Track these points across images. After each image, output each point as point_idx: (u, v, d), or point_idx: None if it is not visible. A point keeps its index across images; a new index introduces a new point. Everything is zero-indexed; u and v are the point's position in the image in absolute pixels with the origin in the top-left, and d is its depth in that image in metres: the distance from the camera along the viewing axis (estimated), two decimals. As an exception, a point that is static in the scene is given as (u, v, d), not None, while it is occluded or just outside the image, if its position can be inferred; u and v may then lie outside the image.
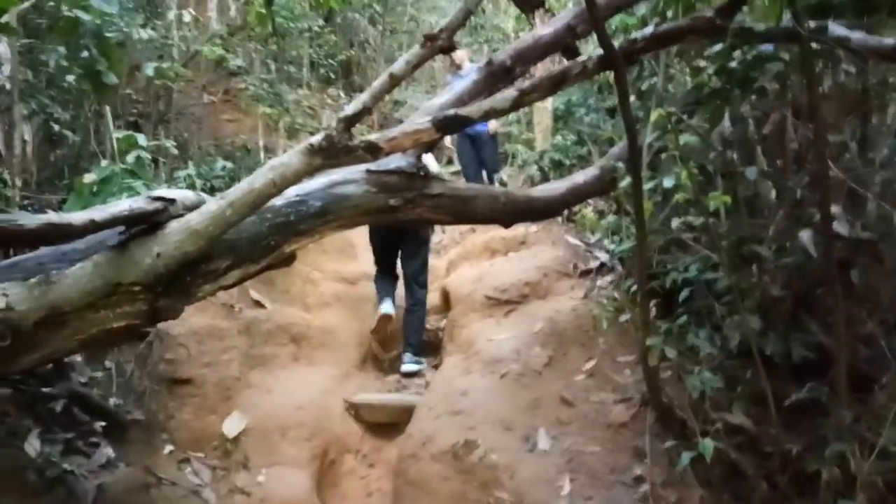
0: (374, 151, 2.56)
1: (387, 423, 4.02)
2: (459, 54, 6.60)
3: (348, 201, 2.99)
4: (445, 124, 2.56)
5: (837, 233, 2.71)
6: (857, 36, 2.22)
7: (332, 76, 9.79)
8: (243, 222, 2.60)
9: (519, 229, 5.70)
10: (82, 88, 4.39)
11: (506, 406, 3.34)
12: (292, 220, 2.84)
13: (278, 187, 2.48)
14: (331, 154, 2.49)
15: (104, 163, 4.44)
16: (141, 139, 4.51)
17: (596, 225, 4.80)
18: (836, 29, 2.22)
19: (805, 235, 2.70)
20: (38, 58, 4.70)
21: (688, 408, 3.13)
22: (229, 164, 5.98)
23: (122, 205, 2.16)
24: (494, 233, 6.02)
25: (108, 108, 4.70)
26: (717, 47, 2.53)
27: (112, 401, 3.26)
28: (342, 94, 9.68)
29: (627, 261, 4.45)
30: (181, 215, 2.43)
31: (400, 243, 4.77)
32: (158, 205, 2.31)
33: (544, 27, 3.59)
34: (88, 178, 4.23)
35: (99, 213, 2.01)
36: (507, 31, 10.15)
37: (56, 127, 4.87)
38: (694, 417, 3.16)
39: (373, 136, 2.58)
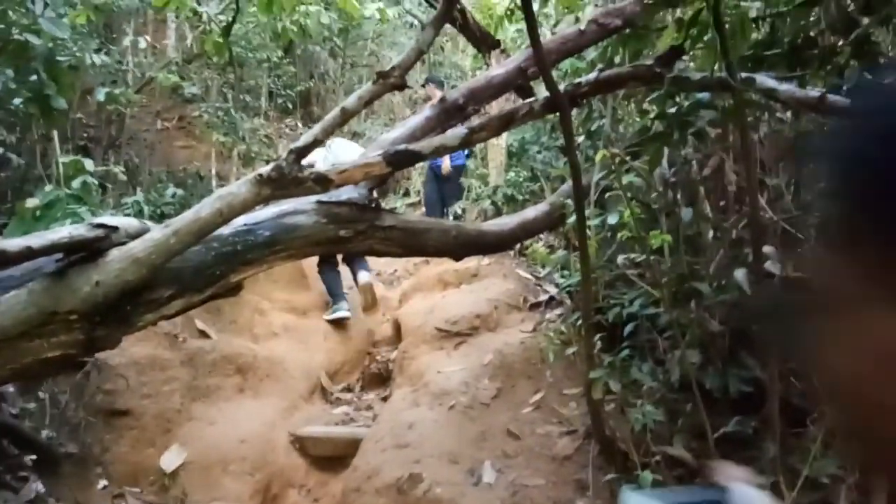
0: (323, 183, 2.58)
1: (333, 457, 3.97)
2: (434, 91, 6.94)
3: (298, 231, 2.98)
4: (396, 159, 2.60)
5: (770, 272, 2.83)
6: (784, 87, 2.36)
7: (290, 106, 9.80)
8: (188, 251, 2.57)
9: (472, 262, 5.76)
10: (30, 112, 4.30)
11: (452, 439, 3.34)
12: (239, 250, 2.82)
13: (225, 217, 2.47)
14: (280, 185, 2.50)
15: (49, 187, 4.35)
16: (88, 164, 4.44)
17: (546, 259, 4.89)
18: (765, 80, 2.36)
19: (739, 274, 2.81)
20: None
21: (629, 440, 3.19)
22: (180, 192, 5.91)
23: (61, 231, 2.12)
24: (448, 265, 6.07)
25: (55, 132, 4.60)
26: (658, 93, 2.65)
27: (44, 433, 3.13)
28: (300, 125, 9.69)
29: (575, 294, 4.54)
30: (123, 243, 2.39)
31: None
32: (100, 232, 2.27)
33: (497, 68, 3.70)
34: (31, 202, 4.13)
35: (36, 239, 1.96)
36: (465, 69, 10.35)
37: (0, 150, 4.75)
38: (636, 450, 3.22)
39: (323, 169, 2.60)
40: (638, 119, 4.06)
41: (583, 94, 2.55)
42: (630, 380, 3.44)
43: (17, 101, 4.19)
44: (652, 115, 2.68)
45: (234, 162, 7.16)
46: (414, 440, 3.37)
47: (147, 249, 2.34)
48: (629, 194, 3.21)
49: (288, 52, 10.16)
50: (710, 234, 3.30)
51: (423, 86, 7.37)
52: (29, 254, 1.92)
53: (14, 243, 1.86)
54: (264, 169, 2.52)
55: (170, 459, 3.44)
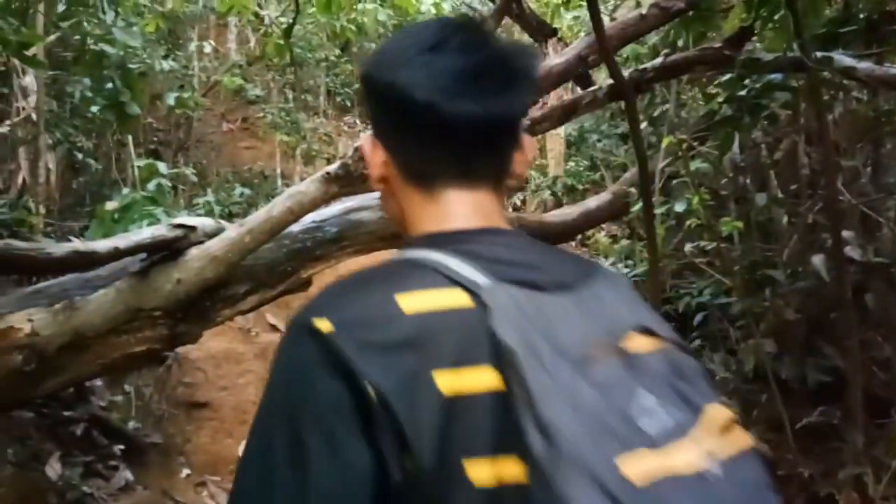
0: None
1: None
2: None
3: (363, 227, 3.04)
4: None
5: (850, 257, 2.72)
6: (863, 66, 2.26)
7: (349, 104, 9.94)
8: (261, 248, 2.66)
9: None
10: (106, 119, 4.52)
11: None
12: (309, 246, 2.89)
13: (295, 215, 2.54)
14: (347, 182, 2.55)
15: (125, 190, 4.56)
16: (161, 167, 4.62)
17: (609, 250, 4.83)
18: (842, 59, 2.26)
19: (817, 260, 2.71)
20: (64, 89, 4.85)
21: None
22: (247, 191, 6.09)
23: (144, 233, 2.23)
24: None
25: (129, 137, 4.82)
26: (728, 76, 2.57)
27: (131, 424, 3.31)
28: (358, 122, 9.81)
29: (641, 285, 4.46)
30: (201, 242, 2.49)
31: None
32: (179, 232, 2.37)
33: (556, 57, 3.64)
34: (110, 205, 4.33)
35: (123, 240, 2.07)
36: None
37: (79, 156, 5.00)
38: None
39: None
40: (703, 103, 3.95)
41: (648, 80, 2.51)
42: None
43: (94, 108, 4.40)
44: (720, 99, 2.60)
45: (297, 160, 7.32)
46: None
47: (224, 248, 2.42)
48: (697, 181, 3.14)
49: (345, 51, 10.30)
50: (784, 219, 3.19)
51: None
52: (116, 254, 2.02)
53: (103, 244, 1.97)
54: (331, 167, 2.57)
55: (246, 449, 3.57)
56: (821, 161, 2.64)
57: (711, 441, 0.53)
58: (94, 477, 2.85)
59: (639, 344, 0.59)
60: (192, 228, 2.47)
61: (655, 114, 4.53)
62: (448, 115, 0.63)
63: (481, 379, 0.54)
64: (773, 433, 3.23)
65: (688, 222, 3.11)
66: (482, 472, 0.51)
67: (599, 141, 6.76)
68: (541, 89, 3.59)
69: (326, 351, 0.55)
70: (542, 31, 6.01)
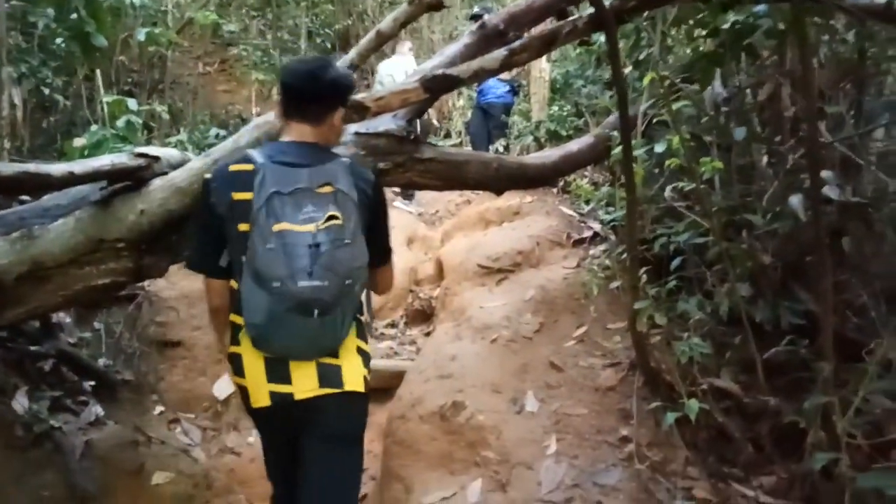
0: (360, 111, 2.53)
1: (378, 388, 4.00)
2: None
3: (337, 163, 2.96)
4: (434, 84, 2.53)
5: (827, 197, 2.70)
6: (850, -5, 2.18)
7: (329, 46, 9.68)
8: (230, 182, 2.59)
9: (513, 200, 5.69)
10: (71, 51, 4.34)
11: (494, 370, 3.35)
12: (279, 181, 2.82)
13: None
14: (317, 112, 2.46)
15: (94, 127, 4.41)
16: (132, 104, 4.48)
17: (590, 195, 4.78)
18: (829, -13, 2.19)
19: (795, 200, 2.69)
20: (29, 21, 4.65)
21: (675, 372, 3.14)
22: (223, 132, 5.94)
23: (103, 159, 2.15)
24: (489, 204, 6.02)
25: (98, 73, 4.65)
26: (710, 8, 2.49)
27: (101, 361, 3.27)
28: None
29: (620, 229, 4.44)
30: (165, 173, 2.41)
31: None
32: (142, 161, 2.29)
33: (538, -10, 3.53)
34: (78, 142, 4.21)
35: (79, 165, 1.99)
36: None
37: (47, 91, 4.83)
38: (681, 381, 3.18)
39: (360, 96, 2.55)
40: (689, 50, 3.85)
41: (630, 9, 2.41)
42: (676, 313, 3.38)
43: (58, 40, 4.22)
44: (703, 34, 2.53)
45: (274, 102, 7.15)
46: (456, 371, 3.39)
47: (189, 179, 2.35)
48: (679, 122, 3.08)
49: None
50: (764, 161, 3.15)
51: (472, 17, 7.17)
52: (71, 179, 1.94)
53: (57, 168, 1.89)
54: (301, 96, 2.48)
55: (222, 387, 3.56)
56: (803, 95, 2.58)
57: (322, 224, 1.71)
58: (62, 411, 2.81)
59: (324, 189, 1.78)
60: (156, 158, 2.39)
61: (641, 57, 4.44)
62: (289, 86, 1.93)
63: (246, 196, 1.77)
64: (746, 375, 3.27)
65: (668, 163, 3.05)
66: (238, 196, 1.81)
67: (584, 86, 6.64)
68: (522, 24, 3.47)
69: (206, 186, 1.89)
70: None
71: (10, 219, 2.14)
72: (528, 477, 2.61)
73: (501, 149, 6.83)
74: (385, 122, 3.14)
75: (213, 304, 2.01)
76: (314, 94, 1.90)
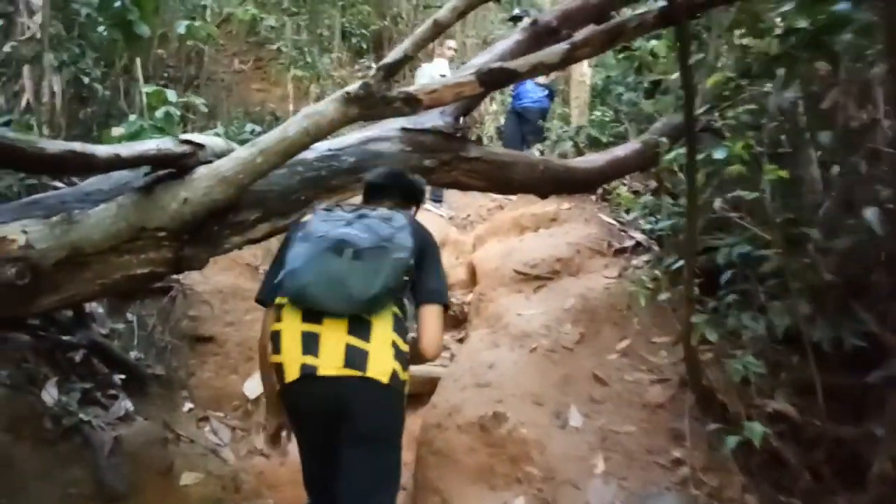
0: (413, 104, 2.42)
1: (410, 394, 3.91)
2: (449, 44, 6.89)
3: (382, 159, 2.86)
4: (490, 77, 2.41)
5: (905, 212, 2.53)
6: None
7: (364, 47, 9.63)
8: (273, 174, 2.50)
9: (550, 205, 5.54)
10: (113, 40, 4.30)
11: (535, 381, 3.21)
12: (324, 175, 2.73)
13: (312, 137, 2.36)
14: (368, 104, 2.36)
15: (132, 117, 4.36)
16: (171, 95, 4.41)
17: (632, 203, 4.62)
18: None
19: (871, 213, 2.51)
20: (71, 7, 4.62)
21: (731, 391, 2.98)
22: (257, 127, 5.88)
23: (149, 143, 2.06)
24: (524, 208, 5.88)
25: (138, 62, 4.60)
26: (788, 6, 2.34)
27: (133, 354, 3.18)
28: (373, 66, 9.51)
29: (666, 239, 4.28)
30: (210, 161, 2.32)
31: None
32: (187, 148, 2.20)
33: (595, -12, 3.41)
34: (116, 131, 4.15)
35: (125, 149, 1.90)
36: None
37: (86, 80, 4.79)
38: (736, 402, 3.02)
39: (412, 88, 2.45)
40: (743, 51, 3.67)
41: (703, 3, 2.28)
42: (727, 329, 3.21)
43: (100, 28, 4.18)
44: (777, 33, 2.37)
45: (311, 100, 7.08)
46: (495, 380, 3.26)
47: (234, 168, 2.26)
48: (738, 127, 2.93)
49: (363, -9, 9.94)
50: (815, 172, 2.97)
51: (512, 18, 7.05)
52: (116, 161, 1.85)
53: (103, 149, 1.80)
54: (352, 87, 2.38)
55: (253, 386, 3.46)
56: (887, 97, 2.42)
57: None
58: (92, 405, 2.73)
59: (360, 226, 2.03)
60: (201, 146, 2.30)
61: (691, 62, 4.29)
62: (373, 184, 2.33)
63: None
64: (801, 397, 3.10)
65: (729, 170, 2.90)
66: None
67: (622, 94, 6.49)
68: (576, 22, 3.35)
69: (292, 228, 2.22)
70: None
71: (51, 202, 2.06)
72: (575, 497, 2.47)
73: (537, 153, 6.70)
74: (432, 119, 3.04)
75: (265, 340, 2.07)
76: (394, 187, 2.30)
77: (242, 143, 5.69)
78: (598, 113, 5.73)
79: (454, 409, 3.09)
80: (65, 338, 2.87)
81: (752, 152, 2.86)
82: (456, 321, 5.17)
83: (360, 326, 1.92)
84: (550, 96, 7.31)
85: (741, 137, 2.72)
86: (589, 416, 2.92)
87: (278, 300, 2.00)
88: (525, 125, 7.28)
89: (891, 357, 2.93)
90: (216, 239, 2.43)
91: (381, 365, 1.90)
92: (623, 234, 4.95)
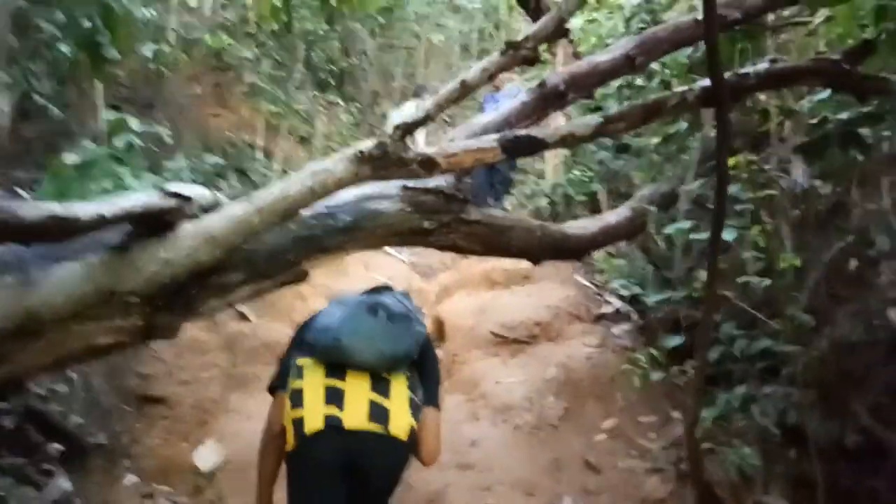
0: (429, 167, 2.21)
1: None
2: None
3: (381, 219, 2.62)
4: (514, 145, 2.22)
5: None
6: None
7: (331, 82, 9.41)
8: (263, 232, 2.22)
9: (522, 262, 5.38)
10: (75, 60, 3.93)
11: (524, 465, 2.98)
12: (318, 235, 2.45)
13: (316, 196, 2.11)
14: (382, 165, 2.13)
15: (88, 144, 3.98)
16: (134, 123, 4.07)
17: (618, 269, 4.51)
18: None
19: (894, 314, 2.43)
20: (31, 21, 4.22)
21: (729, 486, 2.83)
22: (220, 161, 5.54)
23: (134, 199, 1.75)
24: (494, 262, 5.70)
25: (100, 85, 4.24)
26: (824, 94, 2.26)
27: (73, 419, 2.77)
28: (341, 101, 9.28)
29: (649, 312, 4.17)
30: (195, 216, 2.03)
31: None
32: (173, 202, 1.90)
33: (602, 54, 3.29)
34: (70, 158, 3.75)
35: (109, 206, 1.59)
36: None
37: (37, 99, 4.37)
38: (732, 498, 2.86)
39: (431, 151, 2.23)
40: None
41: (749, 87, 2.16)
42: (718, 415, 3.08)
43: (63, 48, 3.82)
44: (813, 121, 2.28)
45: (282, 135, 6.78)
46: (479, 461, 3.01)
47: (226, 227, 1.97)
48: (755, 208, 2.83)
49: (331, 24, 9.74)
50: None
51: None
52: (101, 222, 1.55)
53: (86, 210, 1.49)
54: (365, 145, 2.14)
55: (205, 457, 3.09)
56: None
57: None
58: (24, 484, 2.32)
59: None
60: (188, 199, 2.00)
61: (672, 131, 4.25)
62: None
63: None
64: (798, 491, 2.97)
65: (743, 255, 2.78)
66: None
67: (595, 152, 6.45)
68: (583, 87, 3.22)
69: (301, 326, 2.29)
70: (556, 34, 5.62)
71: (5, 258, 1.72)
72: None
73: (509, 207, 6.57)
74: (435, 178, 2.82)
75: (274, 428, 2.10)
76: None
77: (204, 174, 5.35)
78: (577, 172, 5.64)
79: (436, 497, 2.82)
80: (-3, 404, 2.47)
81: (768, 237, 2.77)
82: (422, 380, 4.90)
83: (380, 384, 2.05)
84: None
85: (754, 221, 2.61)
86: (585, 512, 2.70)
87: (299, 361, 2.10)
88: (495, 175, 7.14)
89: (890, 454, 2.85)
90: (194, 303, 2.12)
91: (400, 421, 2.02)
92: (599, 298, 4.83)
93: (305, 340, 2.12)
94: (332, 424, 1.95)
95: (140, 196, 1.78)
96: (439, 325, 5.23)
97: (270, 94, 6.22)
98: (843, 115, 2.20)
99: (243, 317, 4.09)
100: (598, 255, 5.38)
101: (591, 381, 3.75)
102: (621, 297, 4.63)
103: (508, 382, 3.79)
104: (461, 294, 5.59)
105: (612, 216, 3.94)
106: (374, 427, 1.97)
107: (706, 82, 2.15)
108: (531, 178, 6.38)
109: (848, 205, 3.00)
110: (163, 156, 5.24)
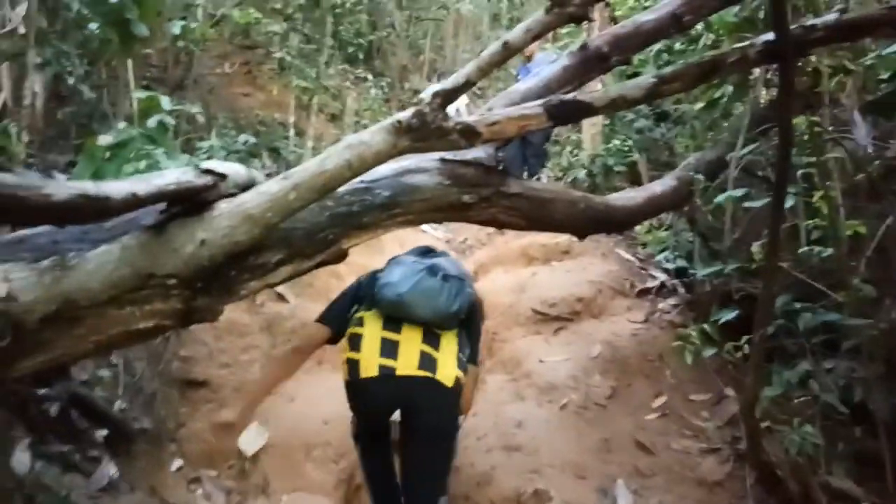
0: (470, 137, 2.10)
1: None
2: (534, 46, 6.13)
3: (419, 193, 2.51)
4: (561, 111, 2.09)
5: None
6: None
7: (359, 56, 9.27)
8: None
9: (560, 236, 5.24)
10: (105, 39, 3.87)
11: (572, 446, 2.88)
12: (356, 211, 2.36)
13: (354, 171, 2.01)
14: (421, 135, 2.03)
15: (121, 125, 3.94)
16: (165, 102, 4.00)
17: (663, 241, 4.35)
18: None
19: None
20: (60, 1, 4.18)
21: (792, 467, 2.69)
22: (252, 139, 5.48)
23: (167, 176, 1.68)
24: (532, 237, 5.56)
25: (129, 64, 4.18)
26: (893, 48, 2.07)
27: (117, 404, 2.76)
28: (370, 77, 9.14)
29: (696, 285, 4.01)
30: (231, 194, 1.95)
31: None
32: (209, 180, 1.83)
33: (646, 13, 3.11)
34: (103, 139, 3.72)
35: (142, 185, 1.52)
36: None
37: (70, 80, 4.35)
38: (793, 479, 2.73)
39: (471, 119, 2.11)
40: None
41: (815, 40, 1.98)
42: (777, 392, 2.93)
43: (92, 26, 3.77)
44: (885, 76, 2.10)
45: (313, 111, 6.68)
46: (526, 443, 2.92)
47: (263, 205, 1.89)
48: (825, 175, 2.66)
49: (358, 1, 9.60)
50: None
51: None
52: (134, 202, 1.48)
53: (117, 189, 1.42)
54: (403, 115, 2.04)
55: (250, 440, 3.06)
56: None
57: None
58: (71, 471, 2.31)
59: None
60: (223, 177, 1.92)
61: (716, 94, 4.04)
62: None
63: None
64: (863, 469, 2.83)
65: (806, 223, 2.62)
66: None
67: (634, 121, 6.23)
68: (627, 48, 3.06)
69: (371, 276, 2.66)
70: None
71: (41, 242, 1.66)
72: None
73: (545, 179, 6.40)
74: (473, 150, 2.70)
75: (302, 347, 2.62)
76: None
77: (236, 153, 5.30)
78: (617, 142, 5.45)
79: (483, 479, 2.74)
80: (41, 391, 2.45)
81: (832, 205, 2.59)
82: (462, 358, 4.82)
83: (432, 338, 2.39)
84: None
85: (828, 188, 2.44)
86: (639, 494, 2.60)
87: (359, 313, 2.46)
88: (527, 147, 6.94)
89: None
90: (233, 285, 2.05)
91: (447, 370, 2.34)
92: (643, 272, 4.67)
93: (366, 295, 2.47)
94: (386, 374, 2.29)
95: (174, 173, 1.71)
96: (478, 302, 5.14)
97: (300, 70, 6.10)
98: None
99: (282, 298, 4.04)
100: (641, 227, 5.22)
101: (639, 359, 3.62)
102: (666, 271, 4.47)
103: (552, 361, 3.69)
104: (498, 271, 5.48)
105: (658, 186, 3.77)
106: (423, 373, 2.30)
107: (768, 36, 1.98)
108: (567, 150, 6.19)
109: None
110: (195, 135, 5.21)
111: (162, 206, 1.76)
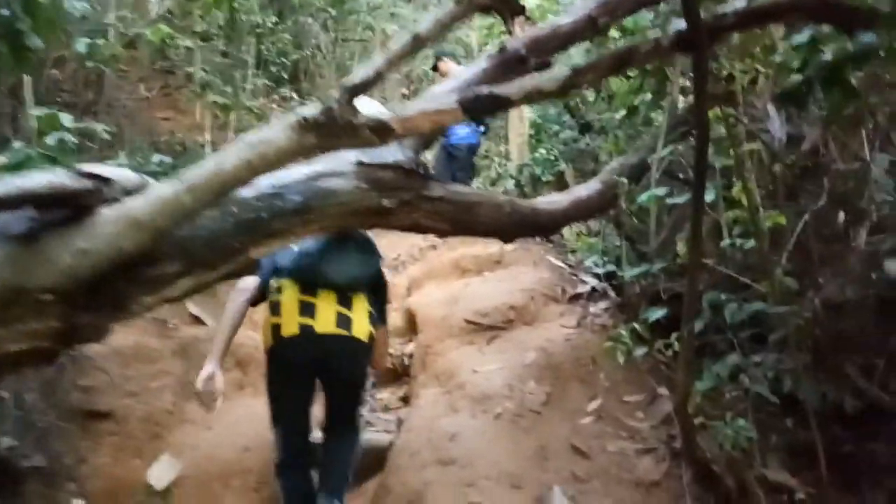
0: (383, 133, 1.99)
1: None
2: (450, 66, 6.21)
3: (334, 198, 2.38)
4: (476, 105, 2.01)
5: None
6: None
7: (284, 76, 9.09)
8: (201, 216, 1.97)
9: (493, 247, 5.20)
10: (-3, 51, 3.60)
11: (508, 456, 2.78)
12: (264, 217, 2.20)
13: (255, 171, 1.87)
14: (329, 132, 1.91)
15: (17, 144, 3.66)
16: (66, 119, 3.75)
17: (591, 247, 4.34)
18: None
19: (893, 265, 2.28)
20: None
21: (726, 461, 2.67)
22: (166, 159, 5.22)
23: (37, 178, 1.50)
24: (463, 250, 5.52)
25: (28, 81, 3.91)
26: (803, 36, 2.08)
27: (4, 441, 2.48)
28: (294, 96, 8.98)
29: (626, 287, 4.01)
30: (116, 200, 1.78)
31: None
32: (88, 184, 1.65)
33: (563, 17, 3.10)
34: (-1, 160, 3.44)
35: (4, 186, 1.35)
36: (472, 46, 9.71)
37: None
38: (730, 474, 2.71)
39: (383, 115, 2.01)
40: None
41: (726, 27, 1.98)
42: (708, 387, 2.92)
43: (-20, 38, 3.49)
44: (796, 64, 2.11)
45: (232, 131, 6.47)
46: (460, 455, 2.80)
47: (151, 209, 1.72)
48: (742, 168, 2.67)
49: (281, 18, 9.43)
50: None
51: (434, 66, 6.67)
52: (-12, 203, 1.29)
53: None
54: (308, 110, 1.91)
55: (160, 473, 2.82)
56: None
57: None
58: (-55, 519, 2.05)
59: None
60: (107, 181, 1.75)
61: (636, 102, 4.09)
62: None
63: None
64: (795, 461, 2.84)
65: (727, 215, 2.62)
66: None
67: (559, 132, 6.29)
68: (545, 50, 3.03)
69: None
70: (510, 7, 5.44)
71: None
72: None
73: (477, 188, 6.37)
74: (392, 152, 2.59)
75: (244, 286, 2.69)
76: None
77: (150, 174, 5.04)
78: (543, 151, 5.46)
79: (416, 498, 2.59)
80: None
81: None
82: (395, 374, 4.67)
83: (345, 300, 2.64)
84: (484, 132, 7.03)
85: (745, 179, 2.44)
86: (576, 500, 2.50)
87: (276, 283, 2.65)
88: (454, 162, 6.92)
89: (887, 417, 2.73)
90: (123, 300, 1.87)
91: (361, 327, 2.65)
92: (574, 278, 4.65)
93: (283, 266, 2.63)
94: (306, 331, 2.53)
95: (44, 175, 1.53)
96: (411, 317, 5.01)
97: (216, 87, 5.88)
98: (827, 57, 2.02)
99: (198, 320, 3.81)
100: (570, 234, 5.23)
101: (573, 363, 3.57)
102: (596, 276, 4.47)
103: (486, 370, 3.59)
104: (431, 285, 5.38)
105: (583, 189, 3.75)
106: (340, 331, 2.57)
107: (680, 24, 1.96)
108: (495, 162, 6.18)
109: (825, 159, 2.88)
110: (105, 156, 4.92)
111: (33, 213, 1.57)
